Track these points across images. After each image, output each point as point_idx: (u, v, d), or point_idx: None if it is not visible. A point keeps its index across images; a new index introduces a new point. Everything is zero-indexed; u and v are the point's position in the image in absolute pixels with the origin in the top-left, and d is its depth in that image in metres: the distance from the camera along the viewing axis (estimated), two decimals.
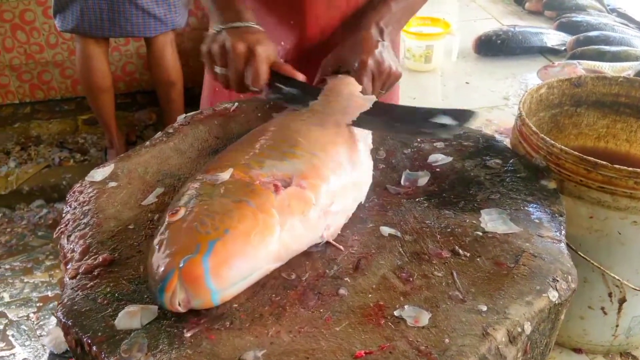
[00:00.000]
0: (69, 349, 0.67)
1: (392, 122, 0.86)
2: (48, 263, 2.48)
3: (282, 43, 1.15)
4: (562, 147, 0.86)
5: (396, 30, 1.10)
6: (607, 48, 2.00)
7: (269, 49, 0.93)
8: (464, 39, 2.21)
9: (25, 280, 2.39)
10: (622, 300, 0.96)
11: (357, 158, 0.83)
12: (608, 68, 1.86)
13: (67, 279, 0.71)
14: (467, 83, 2.01)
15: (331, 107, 0.90)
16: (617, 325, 1.00)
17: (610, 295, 0.96)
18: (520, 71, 2.07)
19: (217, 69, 0.95)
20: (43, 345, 2.07)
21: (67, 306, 0.66)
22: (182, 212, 0.68)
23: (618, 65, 1.86)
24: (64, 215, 0.83)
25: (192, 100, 3.14)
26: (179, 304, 0.61)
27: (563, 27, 2.29)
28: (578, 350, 1.05)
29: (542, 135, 0.89)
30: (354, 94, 0.93)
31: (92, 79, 2.57)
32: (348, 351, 0.58)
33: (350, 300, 0.65)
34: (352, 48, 0.99)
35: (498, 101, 1.88)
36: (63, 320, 0.65)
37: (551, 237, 0.74)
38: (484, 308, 0.63)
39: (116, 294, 0.67)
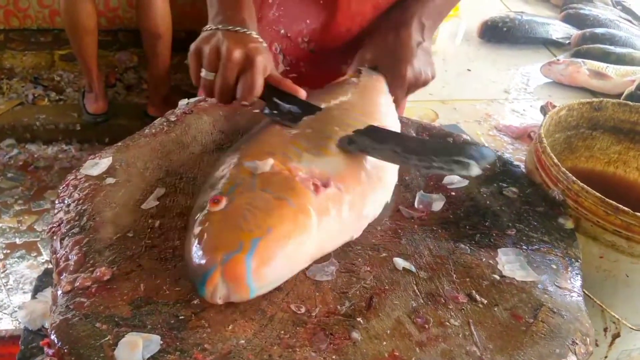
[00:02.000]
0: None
1: (404, 153, 0.79)
2: (17, 208, 2.40)
3: (308, 21, 1.09)
4: (584, 185, 0.84)
5: (436, 24, 1.05)
6: (612, 49, 1.96)
7: (268, 61, 0.85)
8: (468, 20, 2.15)
9: None
10: (615, 336, 0.96)
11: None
12: (612, 71, 1.83)
13: (60, 293, 0.66)
14: (468, 70, 1.96)
15: (365, 104, 0.90)
16: (605, 357, 1.01)
17: (605, 330, 0.96)
18: (523, 62, 2.03)
19: (204, 73, 0.84)
20: (9, 296, 2.02)
21: (62, 328, 0.62)
22: (224, 202, 0.67)
23: (622, 69, 1.83)
24: (56, 211, 0.77)
25: (178, 47, 3.02)
26: (220, 298, 0.63)
27: (569, 19, 2.25)
28: None
29: (564, 169, 0.86)
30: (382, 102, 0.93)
31: (76, 18, 2.43)
32: None
33: (364, 347, 0.62)
34: (392, 53, 0.96)
35: (498, 94, 1.85)
36: (58, 345, 0.61)
37: (569, 289, 0.72)
38: None
39: (115, 318, 0.63)
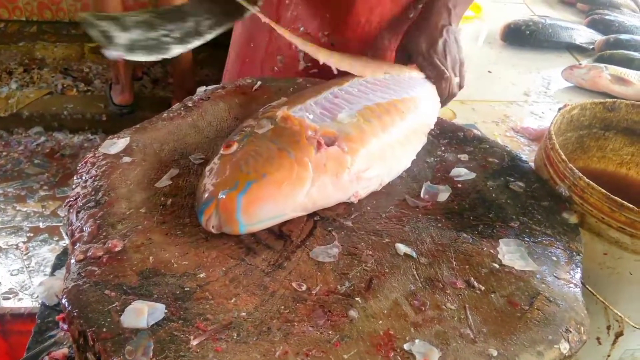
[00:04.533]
0: (71, 337, 0.66)
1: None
2: (42, 193, 2.47)
3: (327, 15, 1.11)
4: (589, 182, 0.84)
5: (463, 10, 1.09)
6: (636, 55, 1.94)
7: None
8: (491, 22, 2.14)
9: (18, 208, 2.39)
10: (619, 334, 0.96)
11: (410, 131, 0.88)
12: (635, 76, 1.81)
13: (74, 261, 0.69)
14: (489, 72, 1.96)
15: (406, 80, 0.96)
16: (608, 356, 1.01)
17: (608, 328, 0.96)
18: (545, 66, 2.01)
19: None
20: (30, 278, 2.08)
21: (72, 293, 0.65)
22: (234, 147, 0.76)
23: None
24: (74, 186, 0.81)
25: (207, 44, 3.07)
26: (213, 227, 0.71)
27: (594, 25, 2.23)
28: None
29: (571, 165, 0.87)
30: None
31: (103, 10, 2.49)
32: None
33: (360, 325, 0.64)
34: (419, 37, 1.01)
35: (518, 96, 1.84)
36: (68, 308, 0.64)
37: (567, 280, 0.73)
38: (495, 353, 0.62)
39: (124, 287, 0.66)
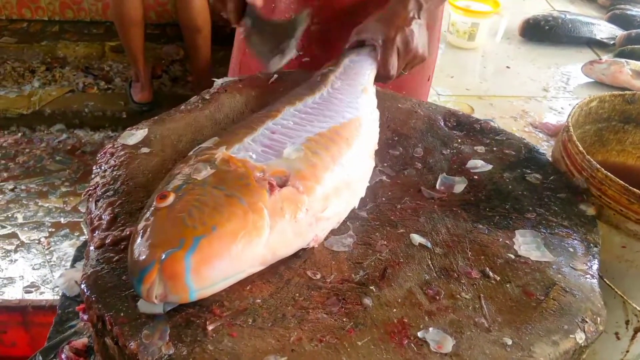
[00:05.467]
0: (89, 321, 0.67)
1: None
2: (63, 189, 2.51)
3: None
4: (607, 173, 0.83)
5: (435, 5, 1.05)
6: None
7: None
8: (510, 18, 2.13)
9: (40, 204, 2.43)
10: (638, 329, 0.95)
11: (359, 158, 0.80)
12: None
13: (92, 248, 0.71)
14: (507, 67, 1.95)
15: (340, 96, 0.88)
16: (627, 351, 0.99)
17: (627, 322, 0.95)
18: (564, 62, 2.00)
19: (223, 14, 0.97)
20: (52, 272, 2.12)
21: (91, 279, 0.66)
22: (171, 198, 0.64)
23: None
24: (93, 175, 0.82)
25: (223, 41, 3.09)
26: (156, 297, 0.59)
27: (615, 20, 2.20)
28: None
29: (589, 157, 0.86)
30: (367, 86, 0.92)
31: (123, 10, 2.52)
32: None
33: (374, 313, 0.65)
34: (383, 21, 0.95)
35: (537, 92, 1.83)
36: (87, 293, 0.65)
37: (584, 270, 0.72)
38: (509, 342, 0.62)
39: None
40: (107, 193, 0.78)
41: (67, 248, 2.22)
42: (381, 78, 0.95)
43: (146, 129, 0.89)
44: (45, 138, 2.79)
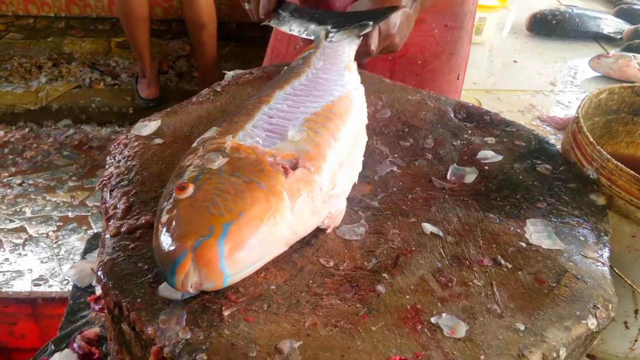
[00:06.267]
0: (106, 308, 0.68)
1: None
2: (71, 184, 2.53)
3: None
4: (618, 163, 0.84)
5: (428, 2, 1.06)
6: None
7: None
8: (517, 12, 2.13)
9: (48, 198, 2.44)
10: None
11: (353, 133, 0.82)
12: None
13: (108, 236, 0.72)
14: (514, 62, 1.95)
15: (325, 76, 0.90)
16: (636, 340, 1.00)
17: (636, 312, 0.95)
18: (571, 56, 2.00)
19: (245, 5, 1.03)
20: (60, 265, 2.13)
21: (107, 266, 0.67)
22: (190, 188, 0.65)
23: None
24: (107, 166, 0.83)
25: (228, 36, 3.10)
26: (191, 286, 0.60)
27: (622, 14, 2.20)
28: (592, 357, 1.06)
29: (599, 147, 0.86)
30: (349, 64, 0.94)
31: (129, 7, 2.53)
32: (384, 354, 0.59)
33: (387, 299, 0.65)
34: (374, 2, 0.98)
35: (544, 86, 1.83)
36: (104, 280, 0.66)
37: (595, 258, 0.73)
38: (522, 327, 0.62)
39: None
40: (122, 183, 0.79)
41: (75, 242, 2.24)
42: (361, 55, 0.97)
43: (159, 121, 0.89)
44: (53, 133, 2.81)
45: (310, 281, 0.67)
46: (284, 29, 1.04)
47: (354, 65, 0.96)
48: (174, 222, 0.62)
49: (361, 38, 0.97)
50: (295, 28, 1.02)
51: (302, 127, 0.77)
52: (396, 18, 0.96)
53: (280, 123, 0.78)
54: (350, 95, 0.87)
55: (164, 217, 0.63)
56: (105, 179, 0.81)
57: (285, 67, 0.97)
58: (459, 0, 1.18)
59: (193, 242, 0.60)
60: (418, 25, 1.05)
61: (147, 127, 0.88)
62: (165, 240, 0.61)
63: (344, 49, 0.96)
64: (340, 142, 0.78)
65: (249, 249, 0.63)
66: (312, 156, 0.73)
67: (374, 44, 0.95)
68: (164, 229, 0.62)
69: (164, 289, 0.63)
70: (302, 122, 0.78)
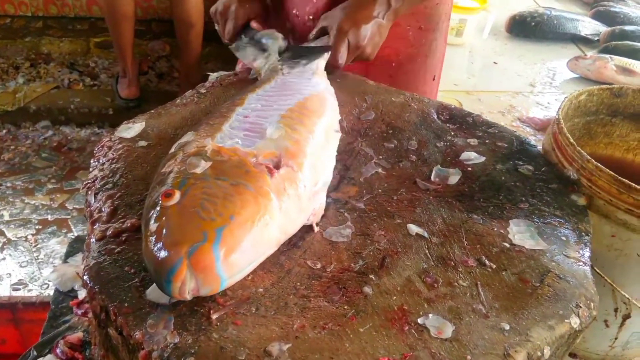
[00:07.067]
0: (92, 312, 0.68)
1: None
2: (50, 186, 2.49)
3: (314, 1, 1.13)
4: (598, 164, 0.85)
5: (405, 8, 1.06)
6: None
7: (243, 12, 1.06)
8: (497, 14, 2.16)
9: (26, 201, 2.41)
10: (626, 317, 0.97)
11: (328, 129, 0.85)
12: None
13: (94, 240, 0.71)
14: (495, 63, 1.97)
15: (294, 79, 0.94)
16: (616, 338, 1.02)
17: (616, 310, 0.97)
18: (550, 57, 2.03)
19: (216, 26, 1.11)
20: (40, 269, 2.10)
21: (93, 270, 0.66)
22: (177, 195, 0.64)
23: None
24: (91, 169, 0.82)
25: (210, 37, 3.07)
26: (189, 293, 0.60)
27: (599, 16, 2.24)
28: (573, 355, 1.08)
29: (579, 148, 0.88)
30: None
31: (116, 5, 2.50)
32: (372, 356, 0.59)
33: (374, 300, 0.66)
34: (346, 12, 1.00)
35: (523, 87, 1.86)
36: (90, 284, 0.65)
37: (577, 258, 0.74)
38: (507, 327, 0.63)
39: (143, 264, 0.67)
40: (106, 186, 0.78)
41: (55, 245, 2.21)
42: (329, 66, 1.00)
43: (143, 123, 0.89)
44: (31, 135, 2.76)
45: (298, 283, 0.68)
46: (239, 55, 1.08)
47: (323, 73, 0.99)
48: (164, 230, 0.61)
49: (329, 52, 0.99)
50: (247, 58, 1.06)
51: (279, 124, 0.78)
52: (366, 30, 0.98)
53: (257, 121, 0.79)
54: (321, 94, 0.90)
55: (153, 226, 0.62)
56: (89, 181, 0.80)
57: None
58: (433, 2, 1.19)
59: (187, 248, 0.59)
60: (392, 28, 1.06)
61: (131, 129, 0.87)
62: (158, 249, 0.60)
63: (313, 59, 0.99)
64: (317, 137, 0.80)
65: (243, 251, 0.63)
66: (292, 153, 0.74)
67: (341, 59, 0.98)
68: (155, 238, 0.61)
69: (152, 293, 0.63)
70: (277, 118, 0.79)
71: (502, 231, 0.77)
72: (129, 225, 0.72)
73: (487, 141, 0.94)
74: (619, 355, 1.06)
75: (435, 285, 0.68)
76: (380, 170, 0.87)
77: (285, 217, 0.69)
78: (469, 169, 0.89)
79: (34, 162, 2.62)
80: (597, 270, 0.89)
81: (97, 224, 0.73)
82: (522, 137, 0.96)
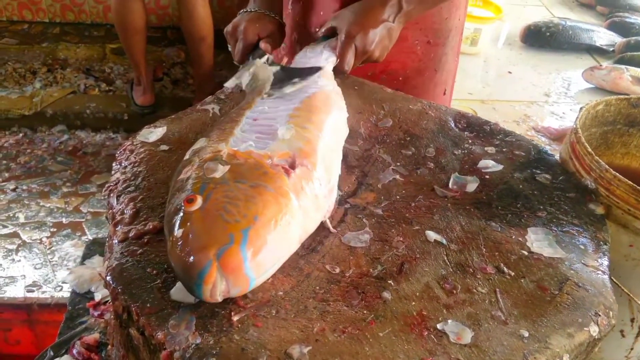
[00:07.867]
0: (113, 312, 0.68)
1: None
2: (65, 190, 2.51)
3: (321, 13, 1.14)
4: (616, 174, 0.85)
5: (417, 12, 1.05)
6: None
7: (253, 31, 1.04)
8: (511, 24, 2.16)
9: (41, 204, 2.43)
10: None
11: (335, 125, 0.86)
12: None
13: (116, 242, 0.72)
14: (509, 73, 1.98)
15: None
16: (631, 349, 1.01)
17: (632, 320, 0.97)
18: (565, 67, 2.03)
19: (229, 47, 1.08)
20: (54, 272, 2.12)
21: (116, 271, 0.67)
22: (199, 200, 0.65)
23: None
24: (113, 172, 0.83)
25: (223, 44, 3.11)
26: (220, 295, 0.61)
27: (614, 27, 2.24)
28: None
29: (597, 158, 0.88)
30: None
31: (127, 19, 2.53)
32: None
33: (393, 306, 0.66)
34: (356, 14, 0.99)
35: (538, 97, 1.86)
36: (112, 285, 0.66)
37: (595, 267, 0.74)
38: (526, 334, 0.63)
39: (165, 265, 0.68)
40: (129, 188, 0.79)
41: (69, 248, 2.22)
42: (337, 71, 0.99)
43: (165, 127, 0.90)
44: (47, 139, 2.79)
45: (317, 287, 0.68)
46: (237, 74, 1.03)
47: (331, 75, 0.98)
48: (190, 235, 0.62)
49: (336, 56, 0.98)
50: (243, 82, 1.02)
51: (288, 124, 0.79)
52: (375, 34, 0.97)
53: (267, 123, 0.81)
54: (326, 91, 0.91)
55: (179, 232, 0.63)
56: (111, 184, 0.81)
57: None
58: (441, 17, 1.18)
59: (215, 251, 0.60)
60: (399, 42, 1.06)
61: (153, 133, 0.88)
62: (186, 254, 0.61)
63: (319, 62, 0.99)
64: (327, 135, 0.81)
65: (269, 250, 0.64)
66: (306, 153, 0.75)
67: (347, 65, 0.98)
68: (181, 243, 0.62)
69: (177, 293, 0.64)
70: (286, 119, 0.81)
71: (520, 239, 0.77)
72: (151, 227, 0.73)
73: (504, 149, 0.95)
74: None
75: (454, 291, 0.69)
76: (398, 177, 0.88)
77: (304, 215, 0.70)
78: (487, 177, 0.89)
79: (50, 165, 2.64)
80: (615, 280, 0.89)
81: (119, 226, 0.74)
82: (539, 146, 0.96)
